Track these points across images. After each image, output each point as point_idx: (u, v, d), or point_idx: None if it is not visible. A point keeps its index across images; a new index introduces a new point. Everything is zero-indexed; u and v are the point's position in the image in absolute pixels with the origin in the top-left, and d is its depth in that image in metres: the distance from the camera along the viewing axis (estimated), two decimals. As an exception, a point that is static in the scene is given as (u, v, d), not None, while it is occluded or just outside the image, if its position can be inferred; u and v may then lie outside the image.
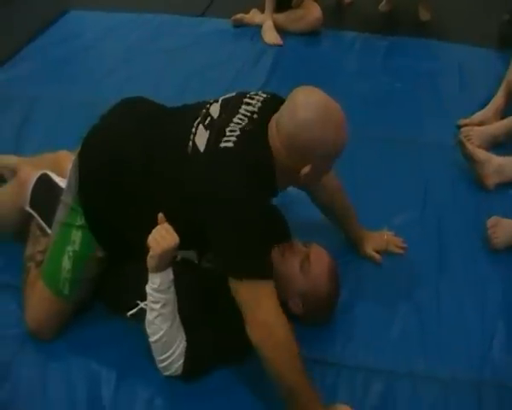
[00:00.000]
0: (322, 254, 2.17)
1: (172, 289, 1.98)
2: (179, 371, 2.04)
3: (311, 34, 4.10)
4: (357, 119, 3.07)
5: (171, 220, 1.97)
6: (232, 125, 1.98)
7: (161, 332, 1.97)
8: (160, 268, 1.94)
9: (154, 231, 1.94)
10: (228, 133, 1.96)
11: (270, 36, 4.06)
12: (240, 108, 2.04)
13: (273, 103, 2.05)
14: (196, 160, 1.98)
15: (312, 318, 2.15)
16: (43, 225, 2.32)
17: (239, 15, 4.23)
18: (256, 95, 2.10)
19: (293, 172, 1.96)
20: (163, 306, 1.96)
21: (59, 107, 3.40)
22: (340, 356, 2.17)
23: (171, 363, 2.02)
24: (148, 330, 2.00)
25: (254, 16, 4.24)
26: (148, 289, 1.97)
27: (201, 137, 2.00)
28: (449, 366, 2.15)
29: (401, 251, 2.53)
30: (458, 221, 2.70)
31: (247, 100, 2.07)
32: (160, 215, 1.96)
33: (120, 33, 4.12)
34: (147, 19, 4.30)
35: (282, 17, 4.16)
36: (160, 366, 2.04)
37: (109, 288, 2.23)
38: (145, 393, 2.05)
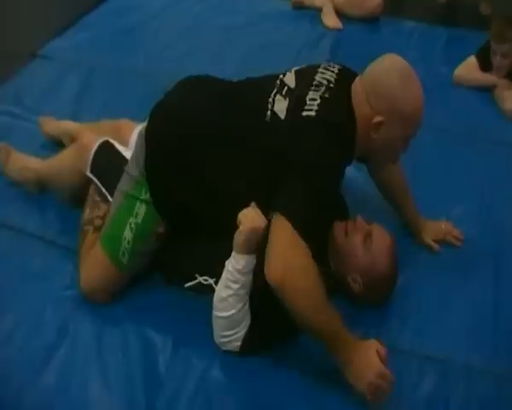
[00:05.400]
0: (384, 234, 2.17)
1: (251, 273, 1.98)
2: (237, 350, 2.05)
3: (370, 20, 4.07)
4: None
5: (244, 190, 2.00)
6: (311, 93, 2.00)
7: (233, 311, 1.98)
8: (246, 249, 1.95)
9: (244, 210, 1.95)
10: (309, 102, 1.97)
11: (330, 19, 4.04)
12: (316, 75, 2.06)
13: (348, 74, 2.08)
14: (277, 126, 1.98)
15: (369, 297, 2.15)
16: (104, 191, 2.32)
17: (299, -3, 4.21)
18: (329, 65, 2.12)
19: (369, 127, 1.98)
20: (240, 287, 1.97)
21: (117, 76, 3.41)
22: (395, 340, 2.16)
23: (232, 341, 2.03)
24: (218, 305, 2.00)
25: (314, -1, 4.21)
26: (229, 267, 1.97)
27: (281, 105, 2.01)
28: (504, 360, 2.13)
29: (458, 243, 2.50)
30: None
31: (321, 70, 2.09)
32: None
33: (181, 7, 4.12)
34: (208, -7, 4.30)
35: (341, 1, 4.13)
36: (220, 340, 2.05)
37: (168, 260, 2.24)
38: (201, 362, 2.06)
